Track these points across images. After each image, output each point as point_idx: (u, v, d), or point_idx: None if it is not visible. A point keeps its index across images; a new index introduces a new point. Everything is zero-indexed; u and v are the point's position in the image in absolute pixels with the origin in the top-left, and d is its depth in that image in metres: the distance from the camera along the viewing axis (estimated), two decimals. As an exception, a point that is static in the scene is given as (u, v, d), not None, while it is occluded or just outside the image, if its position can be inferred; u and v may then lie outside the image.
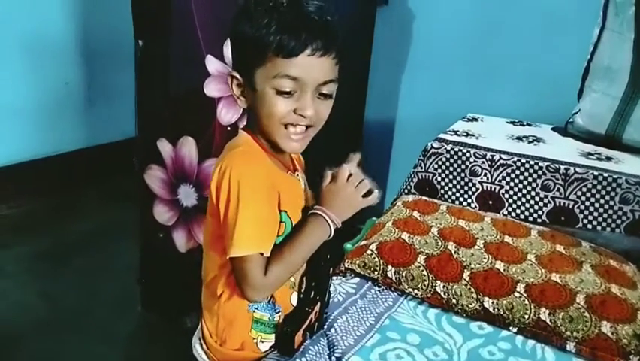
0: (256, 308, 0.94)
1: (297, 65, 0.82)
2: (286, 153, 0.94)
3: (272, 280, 0.86)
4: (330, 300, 1.15)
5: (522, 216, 1.52)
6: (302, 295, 0.98)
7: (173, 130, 1.73)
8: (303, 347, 0.99)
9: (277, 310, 0.96)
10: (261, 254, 0.85)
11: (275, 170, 0.90)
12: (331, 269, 1.02)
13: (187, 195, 1.78)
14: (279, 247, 0.87)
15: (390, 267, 1.27)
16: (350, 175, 0.93)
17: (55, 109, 2.79)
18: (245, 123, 0.95)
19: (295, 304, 0.98)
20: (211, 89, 1.63)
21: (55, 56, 2.73)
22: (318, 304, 1.01)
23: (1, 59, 2.53)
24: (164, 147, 1.76)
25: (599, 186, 1.43)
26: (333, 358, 1.00)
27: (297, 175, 0.97)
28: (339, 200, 0.92)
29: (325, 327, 1.08)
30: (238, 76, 0.87)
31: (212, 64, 1.61)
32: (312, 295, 0.98)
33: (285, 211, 0.90)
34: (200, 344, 1.01)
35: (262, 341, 0.97)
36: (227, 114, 1.63)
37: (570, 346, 1.10)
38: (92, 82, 2.92)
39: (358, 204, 0.94)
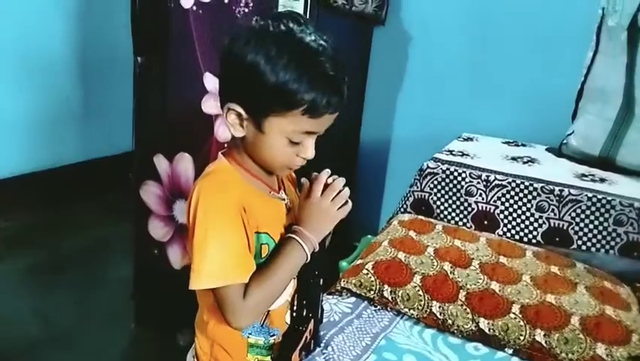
0: (250, 333, 0.93)
1: (318, 123, 0.83)
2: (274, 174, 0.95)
3: (251, 304, 0.84)
4: (326, 319, 1.15)
5: (517, 237, 1.53)
6: (294, 314, 0.97)
7: (170, 146, 1.74)
8: (299, 367, 0.99)
9: (272, 334, 0.95)
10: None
11: (252, 194, 0.89)
12: (321, 285, 1.00)
13: (183, 212, 1.77)
14: (257, 271, 0.86)
15: (386, 286, 1.27)
16: (327, 186, 0.92)
17: (51, 123, 2.80)
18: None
19: (289, 323, 0.97)
20: (209, 106, 1.64)
21: (53, 71, 2.74)
22: (312, 321, 1.01)
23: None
24: (161, 162, 1.77)
25: (593, 208, 1.44)
26: (329, 379, 1.00)
27: (281, 194, 0.96)
28: (315, 216, 0.91)
29: (322, 346, 1.07)
30: (242, 112, 0.84)
31: (210, 81, 1.62)
32: (304, 313, 0.98)
33: (267, 233, 0.89)
34: (194, 362, 1.00)
35: None
36: (224, 131, 1.63)
37: (565, 368, 1.11)
38: (89, 97, 2.93)
39: (335, 217, 0.92)
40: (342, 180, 0.93)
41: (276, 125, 0.83)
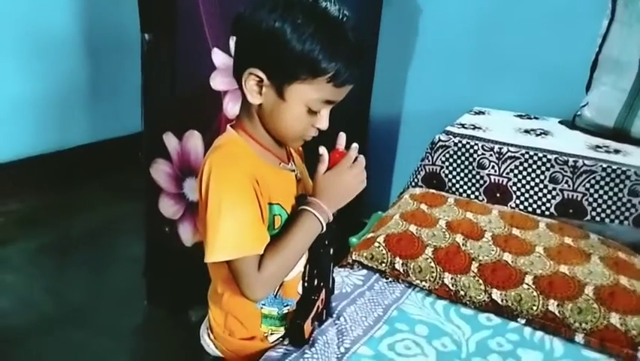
0: (264, 304, 0.94)
1: (338, 93, 0.84)
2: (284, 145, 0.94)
3: (266, 276, 0.84)
4: (338, 291, 1.15)
5: (530, 209, 1.51)
6: (306, 284, 0.97)
7: (180, 124, 1.73)
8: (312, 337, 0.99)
9: (285, 304, 0.96)
10: None
11: (263, 166, 0.89)
12: (331, 255, 1.00)
13: (193, 189, 1.77)
14: (272, 243, 0.86)
15: (397, 259, 1.26)
16: (354, 161, 0.91)
17: (60, 104, 2.79)
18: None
19: (301, 294, 0.98)
20: (217, 82, 1.63)
21: (60, 50, 2.73)
22: (323, 291, 1.01)
23: (6, 53, 2.53)
24: (170, 140, 1.76)
25: (607, 179, 1.42)
26: (341, 348, 1.00)
27: (291, 165, 0.96)
28: (336, 189, 0.91)
29: (334, 316, 1.07)
30: (264, 77, 0.83)
31: (218, 57, 1.61)
32: (315, 282, 0.98)
33: (279, 204, 0.89)
34: (208, 334, 1.01)
35: (272, 333, 0.97)
36: (233, 108, 1.62)
37: (579, 337, 1.10)
38: (97, 76, 2.91)
39: (354, 192, 0.93)
40: (363, 158, 0.93)
41: (299, 93, 0.83)
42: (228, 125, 0.93)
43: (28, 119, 2.68)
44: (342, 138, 0.93)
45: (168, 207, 1.84)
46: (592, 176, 1.44)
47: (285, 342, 0.97)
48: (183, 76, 1.70)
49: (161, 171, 1.81)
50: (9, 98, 2.58)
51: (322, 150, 0.92)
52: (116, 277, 2.16)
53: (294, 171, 0.96)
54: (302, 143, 0.93)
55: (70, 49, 2.78)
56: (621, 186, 1.41)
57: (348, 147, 0.93)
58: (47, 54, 2.68)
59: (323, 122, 0.87)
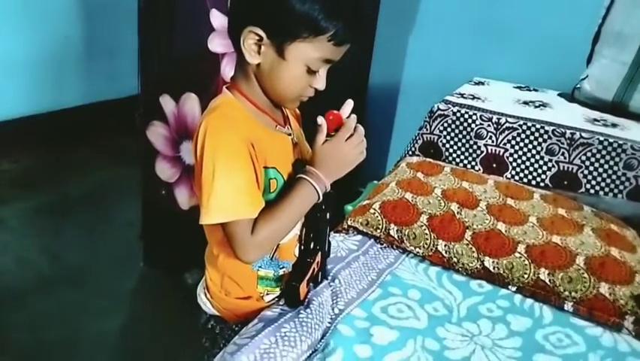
0: (260, 267, 0.95)
1: (338, 52, 0.83)
2: (279, 107, 0.94)
3: (259, 240, 0.84)
4: (333, 254, 1.16)
5: (525, 180, 1.52)
6: (302, 247, 0.98)
7: (176, 86, 1.72)
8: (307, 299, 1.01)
9: (281, 266, 0.97)
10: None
11: (259, 129, 0.88)
12: (328, 219, 0.99)
13: (189, 152, 1.77)
14: (267, 208, 0.86)
15: (392, 225, 1.28)
16: (351, 134, 0.90)
17: (55, 64, 2.76)
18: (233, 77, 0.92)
19: (297, 256, 0.99)
20: (215, 44, 1.61)
21: (55, 9, 2.68)
22: (319, 254, 1.02)
23: (0, 13, 2.48)
24: (167, 103, 1.75)
25: (603, 152, 1.43)
26: (335, 309, 1.01)
27: (287, 129, 0.95)
28: (335, 160, 0.90)
29: (329, 279, 1.09)
30: (264, 35, 0.82)
31: (216, 18, 1.58)
32: (312, 245, 0.99)
33: (274, 168, 0.89)
34: (205, 294, 1.02)
35: (268, 294, 0.99)
36: (231, 70, 1.59)
37: (568, 305, 1.12)
38: (92, 36, 2.87)
39: (353, 163, 0.92)
40: (362, 129, 0.92)
41: (299, 52, 0.82)
42: (224, 87, 0.92)
43: (23, 78, 2.65)
44: (349, 104, 0.92)
45: (165, 170, 1.84)
46: (588, 149, 1.44)
47: (281, 302, 0.98)
48: (181, 38, 1.68)
49: (157, 134, 1.81)
50: (3, 57, 2.54)
51: (320, 120, 0.91)
52: (113, 239, 2.17)
53: (290, 135, 0.95)
54: (298, 104, 0.92)
55: (66, 8, 2.73)
56: (617, 159, 1.42)
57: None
58: (42, 13, 2.63)
59: (321, 82, 0.86)
